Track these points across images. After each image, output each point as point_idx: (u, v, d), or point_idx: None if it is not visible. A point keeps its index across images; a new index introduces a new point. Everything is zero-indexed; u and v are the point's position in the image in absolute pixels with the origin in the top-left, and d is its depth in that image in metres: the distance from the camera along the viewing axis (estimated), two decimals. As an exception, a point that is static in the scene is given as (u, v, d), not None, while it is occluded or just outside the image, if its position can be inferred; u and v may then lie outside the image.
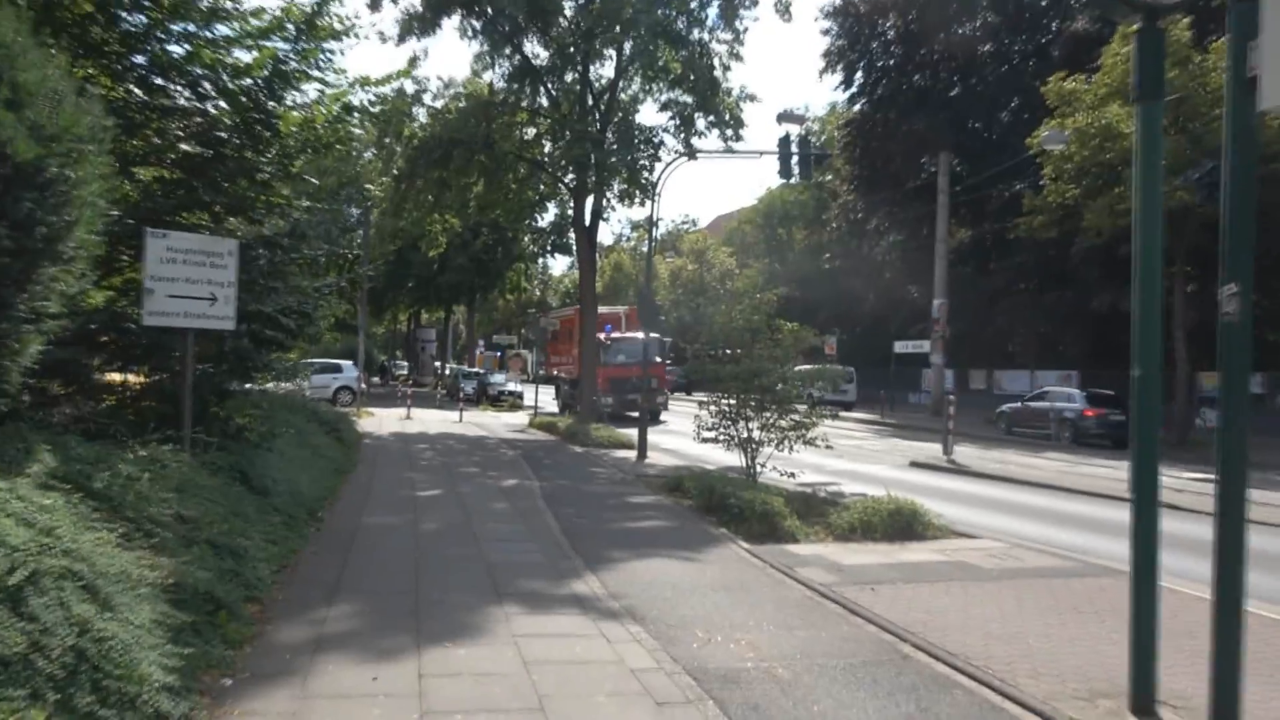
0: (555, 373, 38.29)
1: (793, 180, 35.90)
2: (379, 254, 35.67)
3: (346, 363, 35.96)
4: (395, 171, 25.68)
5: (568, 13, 23.80)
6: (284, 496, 9.63)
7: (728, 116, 23.85)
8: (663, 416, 30.05)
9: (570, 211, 29.84)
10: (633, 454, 19.10)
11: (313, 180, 10.92)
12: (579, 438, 21.55)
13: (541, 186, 28.57)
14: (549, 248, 58.64)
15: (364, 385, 34.28)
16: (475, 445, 20.94)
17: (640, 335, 26.32)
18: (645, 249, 65.74)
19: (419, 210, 26.85)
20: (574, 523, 11.00)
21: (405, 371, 73.97)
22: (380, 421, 26.96)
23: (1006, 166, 32.99)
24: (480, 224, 45.53)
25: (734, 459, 14.26)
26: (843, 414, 24.15)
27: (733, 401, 13.55)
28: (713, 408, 13.94)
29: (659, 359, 27.30)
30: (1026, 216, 28.38)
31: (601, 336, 28.37)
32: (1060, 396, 27.33)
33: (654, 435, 21.99)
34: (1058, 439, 26.08)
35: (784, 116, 21.79)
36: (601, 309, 32.75)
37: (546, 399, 41.02)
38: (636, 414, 27.49)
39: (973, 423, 30.52)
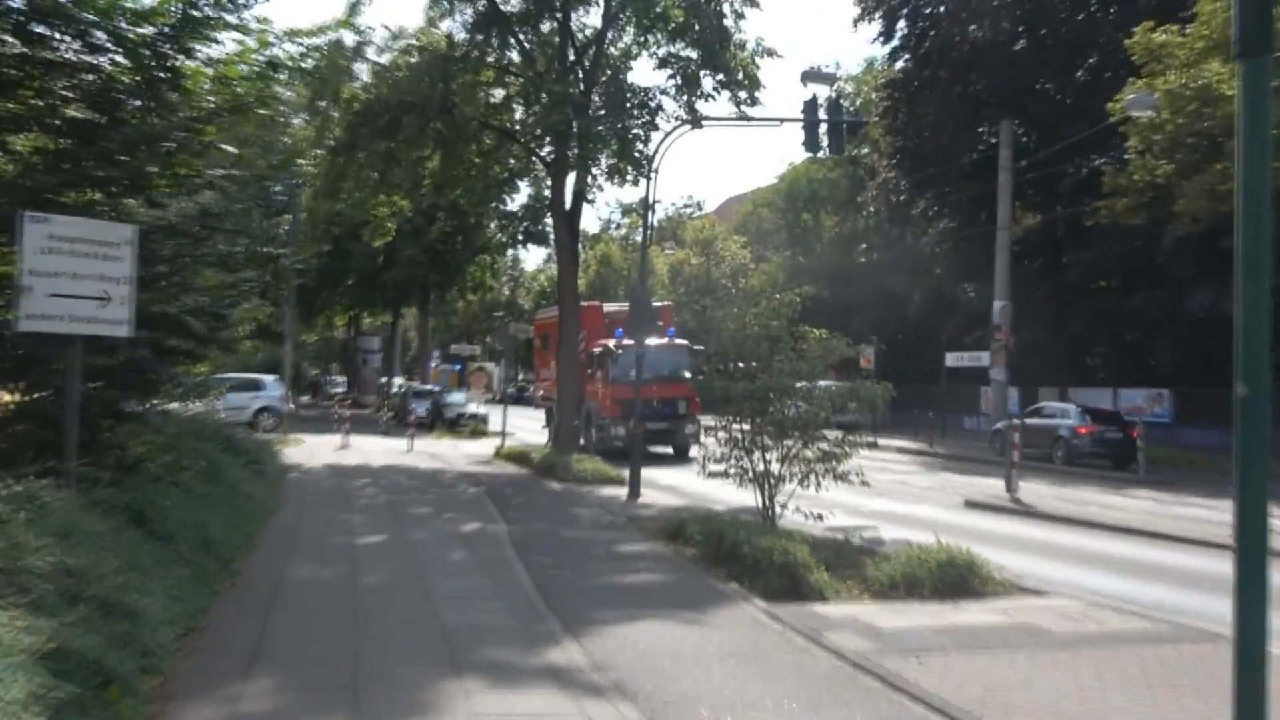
0: (540, 392, 37.59)
1: (821, 154, 36.03)
2: (311, 244, 35.65)
3: (269, 378, 35.93)
4: (331, 142, 25.73)
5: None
6: (191, 543, 9.60)
7: (740, 75, 23.96)
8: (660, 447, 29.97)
9: (547, 192, 29.94)
10: (623, 491, 19.10)
11: (230, 150, 10.92)
12: (557, 471, 21.56)
13: (512, 161, 28.65)
14: (520, 236, 59.18)
15: (291, 406, 34.28)
16: (429, 480, 20.89)
17: (664, 341, 26.20)
18: (639, 238, 65.98)
19: (361, 190, 26.90)
20: (550, 576, 10.98)
21: (342, 389, 73.93)
22: (311, 451, 26.90)
23: (1083, 137, 33.16)
24: (436, 207, 45.69)
25: (747, 498, 14.25)
26: (882, 442, 24.11)
27: (746, 427, 13.54)
28: (721, 434, 13.91)
29: (687, 373, 24.43)
30: (1107, 199, 28.55)
31: (611, 344, 27.06)
32: (1056, 413, 30.26)
33: (649, 469, 22.00)
34: (1053, 459, 28.71)
35: (810, 76, 21.89)
36: (608, 306, 31.87)
37: (519, 423, 41.03)
38: (666, 449, 27.32)
39: (1042, 453, 30.60)
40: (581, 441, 27.30)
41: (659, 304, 31.10)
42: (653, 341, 22.33)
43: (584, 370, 28.01)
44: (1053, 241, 40.66)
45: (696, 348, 21.50)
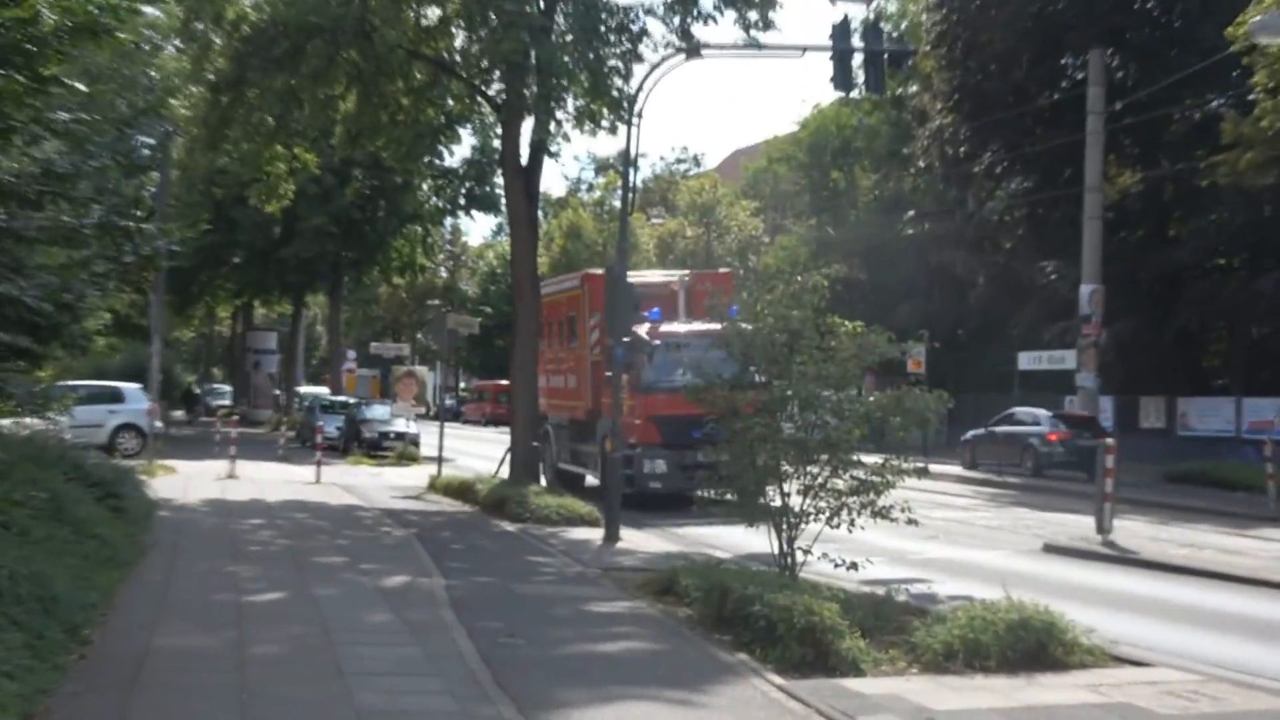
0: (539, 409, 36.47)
1: (855, 94, 36.08)
2: (186, 211, 35.52)
3: (131, 386, 35.75)
4: (212, 77, 25.64)
5: None
6: (26, 603, 9.51)
7: (751, -10, 23.99)
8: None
9: (497, 143, 29.90)
10: (597, 534, 19.07)
11: (78, 87, 10.87)
12: (510, 508, 21.53)
13: (450, 103, 28.59)
14: (462, 201, 59.19)
15: (160, 423, 34.13)
16: (342, 520, 20.81)
17: (717, 326, 22.50)
18: (618, 203, 65.99)
19: (251, 140, 26.80)
20: (501, 645, 10.95)
21: (227, 401, 73.67)
22: (187, 482, 26.79)
23: (1194, 71, 33.36)
24: (351, 163, 45.66)
25: (759, 541, 14.23)
26: (936, 468, 24.10)
27: (757, 449, 13.53)
28: (725, 457, 13.91)
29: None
30: (1227, 152, 28.71)
31: (642, 332, 23.10)
32: (1026, 419, 33.39)
33: (633, 507, 21.98)
34: (1022, 469, 31.56)
35: (841, -9, 21.97)
36: (635, 276, 26.60)
37: (461, 445, 40.97)
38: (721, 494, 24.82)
39: (1143, 481, 30.72)
40: (591, 480, 26.52)
41: (678, 275, 28.59)
42: (697, 328, 20.18)
43: (596, 373, 25.24)
44: (1157, 207, 40.90)
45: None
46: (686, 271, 31.34)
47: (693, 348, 17.52)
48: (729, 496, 13.77)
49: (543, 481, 26.12)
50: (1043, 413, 34.21)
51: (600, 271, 27.28)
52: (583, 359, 26.88)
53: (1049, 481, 32.82)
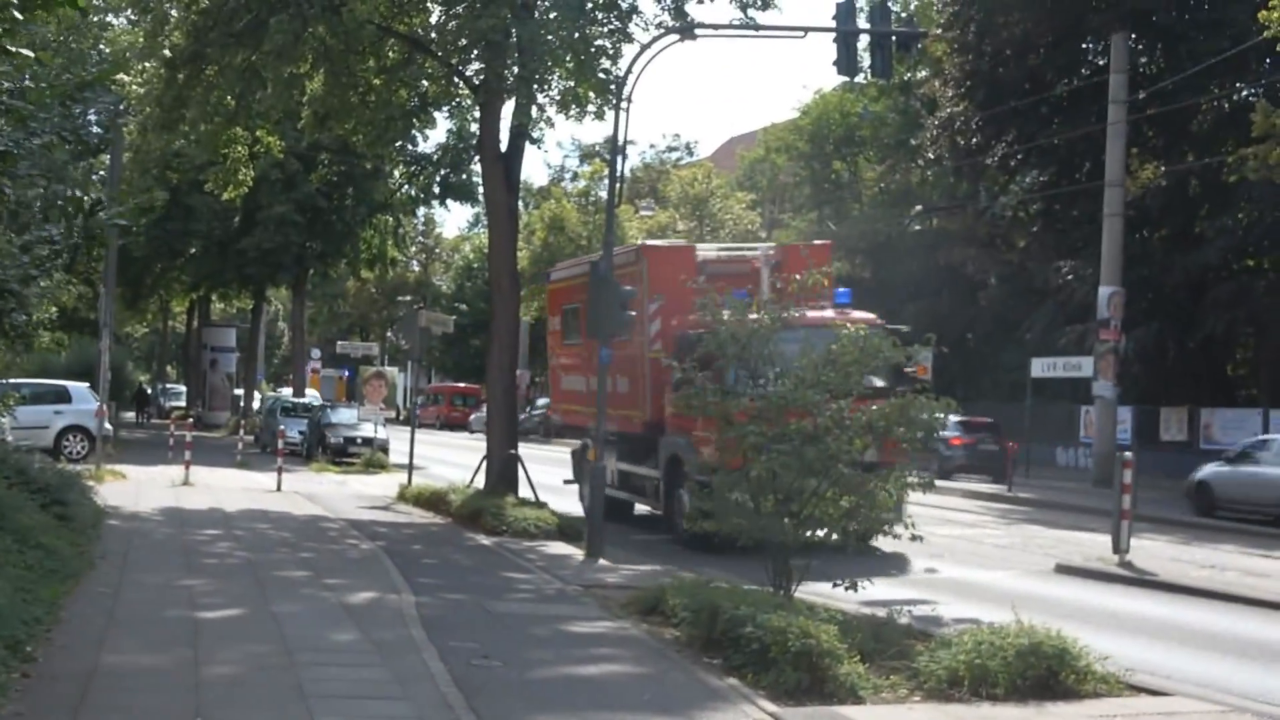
0: (555, 415, 32.41)
1: (860, 79, 36.06)
2: (139, 195, 35.40)
3: (79, 386, 35.64)
4: (168, 52, 25.59)
5: None
6: (-35, 618, 9.52)
7: (749, -35, 24.05)
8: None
9: (475, 128, 29.89)
10: (578, 550, 19.08)
11: (24, 53, 10.81)
12: (485, 520, 21.52)
13: (425, 84, 28.55)
14: (437, 190, 59.11)
15: (109, 426, 34.03)
16: (305, 532, 20.79)
17: (825, 314, 19.20)
18: (604, 194, 65.86)
19: (210, 120, 26.76)
20: (475, 667, 10.96)
21: (182, 402, 73.49)
22: (139, 489, 26.74)
23: (1223, 58, 33.51)
24: (318, 147, 45.54)
25: (752, 559, 14.27)
26: (942, 482, 24.20)
27: (752, 459, 13.57)
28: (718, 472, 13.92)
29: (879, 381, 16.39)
30: (1257, 145, 28.82)
31: (728, 314, 15.64)
32: None
33: (618, 520, 22.00)
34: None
35: (845, -32, 22.02)
36: (705, 249, 25.26)
37: (433, 452, 40.91)
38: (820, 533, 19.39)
39: (1163, 498, 30.79)
40: (643, 508, 24.22)
41: (762, 249, 24.42)
42: (810, 314, 16.83)
43: (657, 374, 21.54)
44: (1183, 204, 41.03)
45: (901, 329, 17.30)
46: (771, 245, 27.94)
47: (796, 341, 14.81)
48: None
49: (581, 509, 23.38)
50: (950, 418, 35.74)
51: (663, 244, 25.97)
52: (638, 356, 22.71)
53: (1062, 496, 32.96)
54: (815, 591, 13.50)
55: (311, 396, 56.54)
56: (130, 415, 64.18)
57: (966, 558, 20.48)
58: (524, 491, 23.76)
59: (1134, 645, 13.04)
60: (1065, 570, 19.14)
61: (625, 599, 14.33)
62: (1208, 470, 29.54)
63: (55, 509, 16.49)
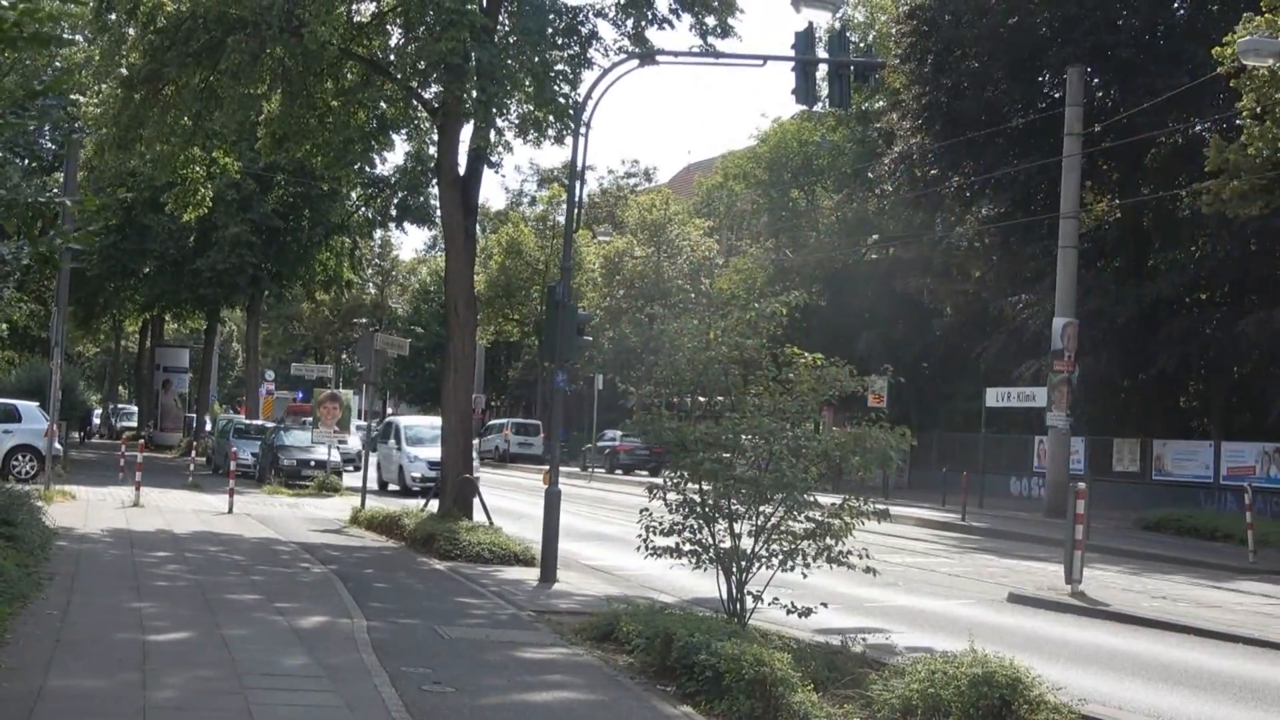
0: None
1: (818, 108, 36.33)
2: (94, 214, 35.23)
3: (28, 404, 35.36)
4: (125, 71, 25.47)
5: None
6: (-92, 639, 9.41)
7: (710, -6, 24.15)
8: (584, 510, 29.85)
9: (433, 150, 29.82)
10: (533, 574, 19.11)
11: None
12: (439, 544, 21.46)
13: (383, 106, 28.54)
14: (394, 212, 59.02)
15: (59, 446, 33.74)
16: (256, 555, 20.67)
17: None
18: (562, 219, 65.81)
19: (166, 140, 26.63)
20: (426, 694, 10.91)
21: (133, 423, 72.98)
22: (88, 510, 26.53)
23: (1178, 93, 33.86)
24: (274, 168, 45.49)
25: (707, 584, 14.29)
26: (896, 510, 24.16)
27: (707, 486, 13.61)
28: (673, 496, 13.98)
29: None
30: (1212, 180, 29.10)
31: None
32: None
33: (572, 543, 21.98)
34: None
35: (805, -3, 22.15)
36: None
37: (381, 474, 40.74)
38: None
39: (1115, 528, 30.98)
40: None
41: None
42: None
43: None
44: (1136, 237, 41.43)
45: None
46: None
47: None
48: (681, 545, 13.79)
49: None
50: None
51: None
52: None
53: (1014, 525, 33.08)
54: (769, 619, 13.53)
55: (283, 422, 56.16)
56: (79, 435, 63.59)
57: (919, 586, 20.52)
58: (479, 516, 23.72)
59: (1086, 675, 13.12)
60: (1018, 600, 19.21)
61: (578, 625, 14.32)
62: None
63: (2, 529, 16.32)
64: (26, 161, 18.27)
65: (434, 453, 33.77)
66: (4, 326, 23.84)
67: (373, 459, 36.15)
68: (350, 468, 44.40)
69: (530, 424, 68.72)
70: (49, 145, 22.19)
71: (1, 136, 12.28)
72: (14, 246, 13.40)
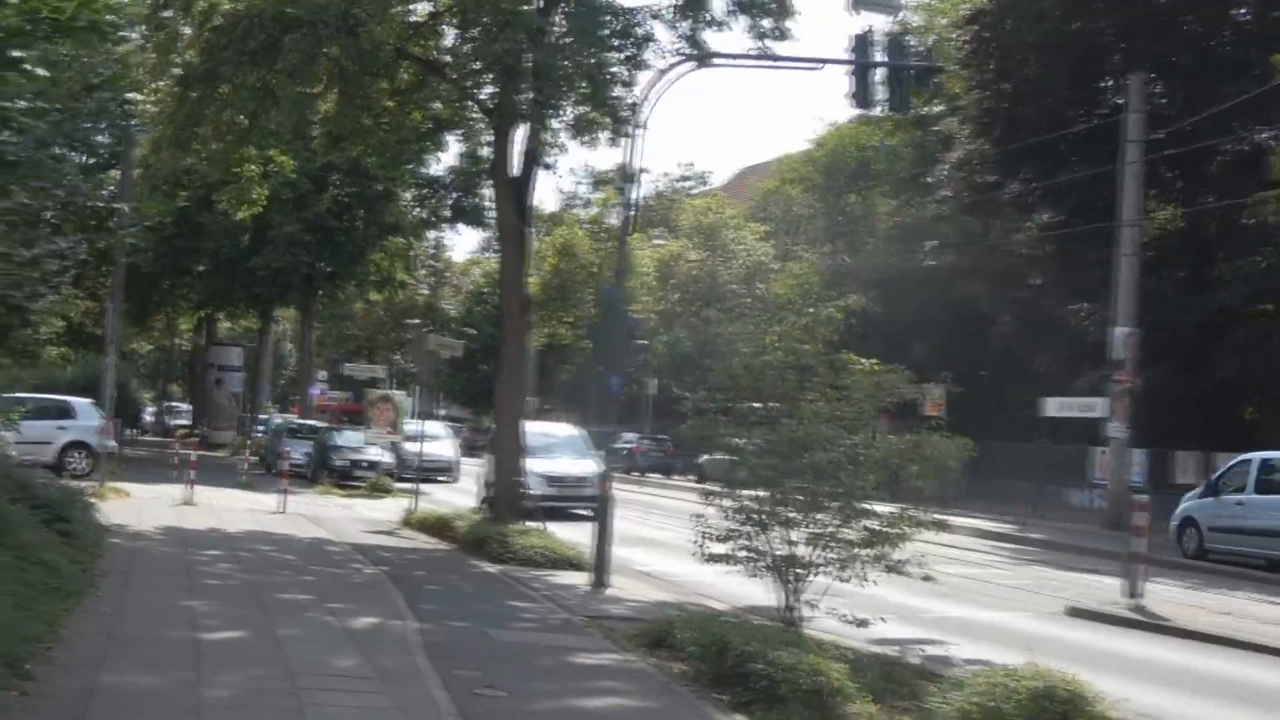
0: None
1: (875, 113, 36.27)
2: (149, 211, 35.45)
3: (82, 402, 35.63)
4: (179, 70, 25.63)
5: None
6: (-37, 634, 9.46)
7: (766, -5, 24.08)
8: (633, 515, 29.66)
9: (487, 150, 29.88)
10: (584, 578, 19.07)
11: (40, 73, 10.81)
12: (490, 547, 21.47)
13: (438, 106, 28.62)
14: (448, 213, 59.14)
15: (113, 443, 34.01)
16: (308, 555, 20.77)
17: None
18: (616, 221, 65.71)
19: (221, 139, 26.79)
20: (478, 698, 10.88)
21: (186, 421, 73.52)
22: (141, 507, 26.70)
23: (1242, 101, 33.47)
24: (330, 168, 45.67)
25: (761, 593, 14.21)
26: (954, 520, 23.95)
27: (763, 493, 13.58)
28: (728, 503, 13.93)
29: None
30: (1276, 189, 28.79)
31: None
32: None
33: (624, 548, 21.92)
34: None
35: (863, 1, 22.05)
36: None
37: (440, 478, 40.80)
38: None
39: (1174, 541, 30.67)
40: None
41: None
42: None
43: None
44: (1199, 246, 41.00)
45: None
46: None
47: None
48: (735, 552, 13.75)
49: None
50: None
51: None
52: None
53: (1075, 538, 32.80)
54: (824, 629, 13.44)
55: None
56: (133, 431, 64.00)
57: (977, 597, 20.37)
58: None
59: (1148, 691, 12.96)
60: (1078, 613, 19.01)
61: (631, 631, 14.27)
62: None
63: (58, 526, 16.47)
64: (84, 158, 18.38)
65: (556, 465, 31.88)
66: (60, 323, 24.10)
67: (470, 469, 33.49)
68: (444, 478, 43.82)
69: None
70: (105, 140, 22.26)
71: (59, 131, 12.32)
72: (72, 240, 13.49)
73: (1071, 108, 41.16)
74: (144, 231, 15.24)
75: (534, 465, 30.50)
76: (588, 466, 31.28)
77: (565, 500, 30.69)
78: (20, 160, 10.86)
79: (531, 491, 29.12)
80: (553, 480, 31.17)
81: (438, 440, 45.89)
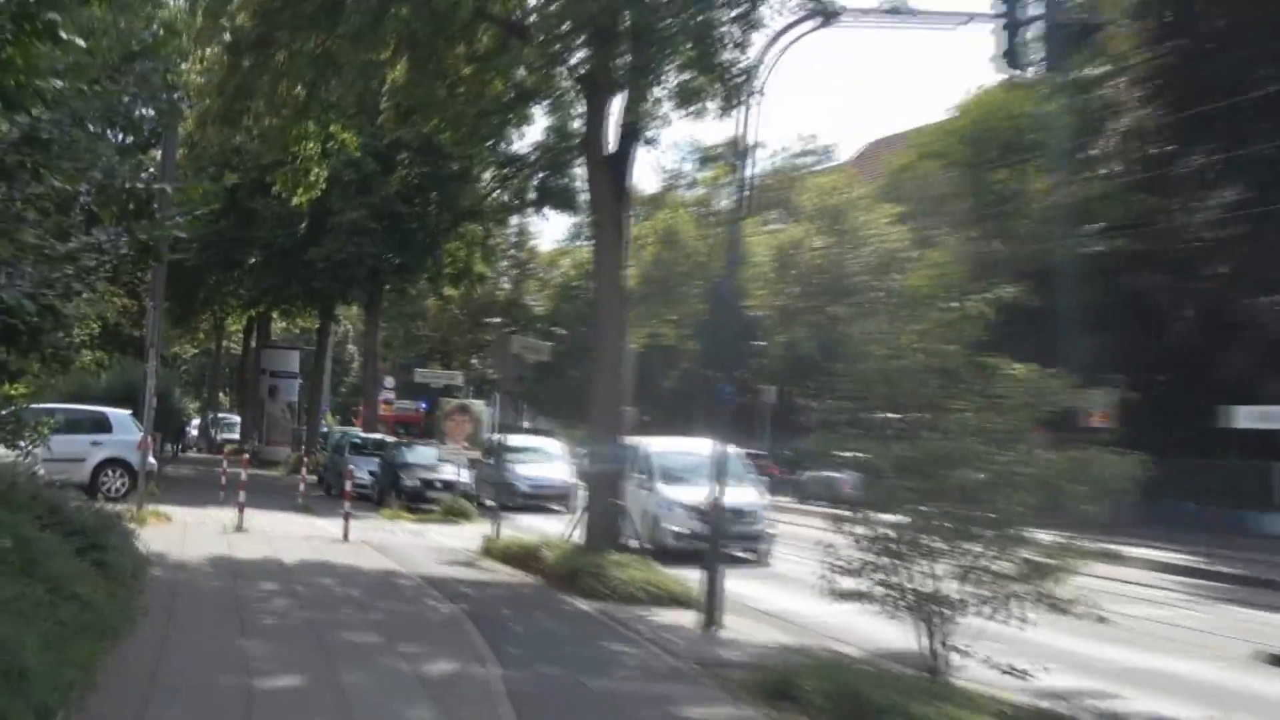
0: None
1: (1029, 74, 35.88)
2: (192, 200, 35.83)
3: (119, 413, 35.99)
4: (229, 36, 25.91)
5: None
6: (-12, 679, 9.57)
7: (899, -59, 23.93)
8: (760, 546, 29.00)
9: (579, 124, 29.97)
10: (692, 617, 19.02)
11: (78, 42, 10.98)
12: (584, 581, 21.47)
13: (522, 74, 28.71)
14: (533, 196, 59.35)
15: (154, 460, 34.39)
16: (376, 589, 20.90)
17: None
18: (726, 203, 65.55)
19: (276, 113, 27.06)
20: (572, 756, 10.90)
21: (236, 435, 74.37)
22: (185, 534, 27.02)
23: None
24: (398, 145, 45.99)
25: (897, 634, 14.13)
26: (1126, 550, 23.56)
27: (903, 519, 13.53)
28: (859, 530, 13.90)
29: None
30: None
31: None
32: None
33: (737, 580, 21.83)
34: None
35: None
36: None
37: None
38: None
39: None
40: None
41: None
42: None
43: None
44: None
45: None
46: None
47: None
48: (869, 589, 13.69)
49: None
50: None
51: None
52: None
53: (1271, 572, 32.26)
54: (975, 678, 13.31)
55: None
56: (174, 447, 64.59)
57: (1157, 642, 20.08)
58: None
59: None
60: (1278, 661, 18.71)
61: (749, 680, 14.18)
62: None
63: (93, 555, 16.61)
64: (123, 137, 18.59)
65: (701, 494, 25.89)
66: (95, 325, 24.36)
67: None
68: (560, 507, 42.12)
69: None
70: (147, 114, 22.44)
71: (97, 104, 12.48)
72: (112, 233, 13.65)
73: (1263, 64, 40.49)
74: (191, 221, 15.35)
75: (675, 493, 29.37)
76: (747, 495, 28.50)
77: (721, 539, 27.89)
78: (53, 139, 11.01)
79: (674, 529, 28.85)
80: (705, 515, 28.22)
81: (550, 461, 45.70)
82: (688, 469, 29.54)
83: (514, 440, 43.99)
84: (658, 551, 22.80)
